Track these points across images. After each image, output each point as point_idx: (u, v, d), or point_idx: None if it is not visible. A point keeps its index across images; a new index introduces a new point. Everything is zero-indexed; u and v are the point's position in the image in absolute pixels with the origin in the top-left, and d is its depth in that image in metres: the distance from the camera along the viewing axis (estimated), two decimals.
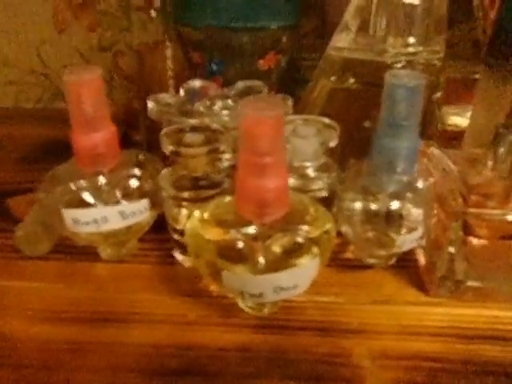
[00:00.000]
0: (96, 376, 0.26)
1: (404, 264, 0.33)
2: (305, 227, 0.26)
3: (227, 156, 0.31)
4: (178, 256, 0.33)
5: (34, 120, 0.59)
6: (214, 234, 0.26)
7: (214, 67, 0.41)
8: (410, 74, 0.27)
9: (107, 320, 0.29)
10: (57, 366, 0.26)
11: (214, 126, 0.30)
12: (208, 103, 0.33)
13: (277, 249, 0.26)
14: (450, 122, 0.40)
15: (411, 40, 0.32)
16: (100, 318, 0.29)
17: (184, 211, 0.30)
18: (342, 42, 0.34)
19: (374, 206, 0.30)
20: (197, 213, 0.27)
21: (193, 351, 0.27)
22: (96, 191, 0.30)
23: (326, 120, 0.31)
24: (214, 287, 0.31)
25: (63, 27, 0.57)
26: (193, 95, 0.34)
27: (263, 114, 0.22)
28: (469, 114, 0.38)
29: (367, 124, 0.35)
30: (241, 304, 0.29)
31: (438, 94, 0.35)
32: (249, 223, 0.25)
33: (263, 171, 0.23)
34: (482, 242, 0.30)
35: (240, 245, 0.25)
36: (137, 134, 0.45)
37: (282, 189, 0.24)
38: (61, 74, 0.59)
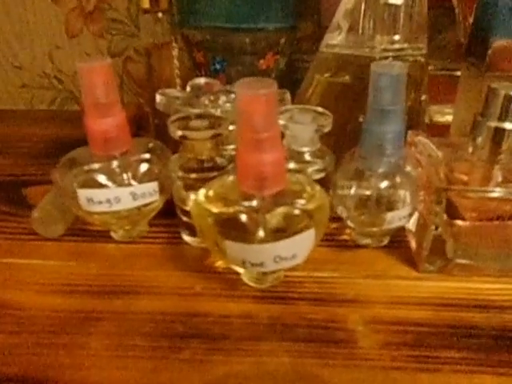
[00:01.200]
0: (108, 340, 0.28)
1: (396, 245, 0.35)
2: (302, 201, 0.28)
3: (230, 145, 0.34)
4: (186, 237, 0.35)
5: (46, 121, 0.61)
6: (217, 207, 0.28)
7: (217, 66, 0.44)
8: (393, 64, 0.29)
9: (118, 292, 0.31)
10: (72, 332, 0.28)
11: (218, 113, 0.33)
12: (212, 97, 0.35)
13: (276, 221, 0.28)
14: (435, 116, 0.43)
15: (396, 37, 0.34)
16: (111, 290, 0.31)
17: (192, 195, 0.33)
18: (334, 40, 0.37)
19: (366, 191, 0.32)
20: (202, 190, 0.30)
21: (197, 317, 0.29)
22: (109, 173, 0.32)
23: (319, 109, 0.34)
24: (220, 263, 0.33)
25: (74, 33, 0.59)
26: (198, 91, 0.37)
27: (257, 93, 0.24)
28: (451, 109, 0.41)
29: (361, 118, 0.37)
30: (244, 278, 0.31)
31: (423, 90, 0.37)
32: (250, 197, 0.28)
33: (260, 146, 0.25)
34: (469, 223, 0.32)
35: (242, 217, 0.28)
36: (147, 135, 0.48)
37: (278, 162, 0.26)
38: (73, 78, 0.62)
